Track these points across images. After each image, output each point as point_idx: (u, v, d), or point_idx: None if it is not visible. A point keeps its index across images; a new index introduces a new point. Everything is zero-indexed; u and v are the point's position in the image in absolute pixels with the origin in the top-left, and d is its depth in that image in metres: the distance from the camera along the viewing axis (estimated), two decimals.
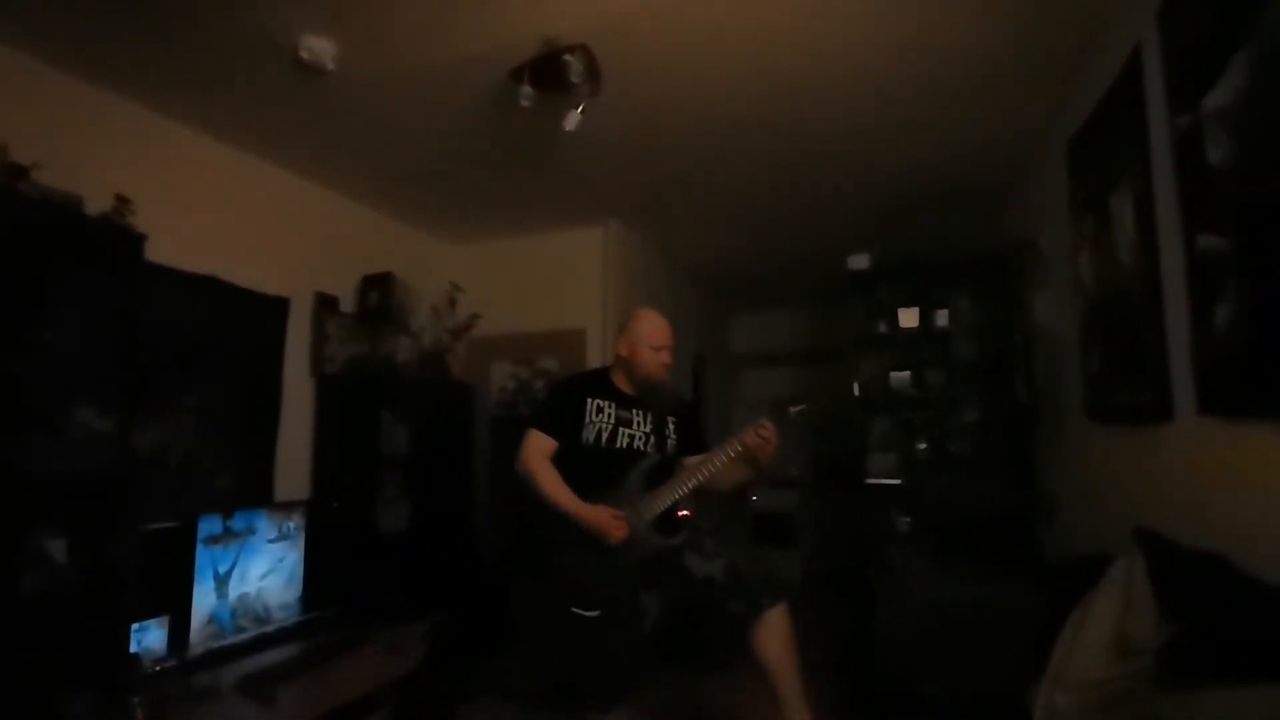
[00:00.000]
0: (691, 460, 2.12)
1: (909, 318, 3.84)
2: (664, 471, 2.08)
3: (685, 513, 2.20)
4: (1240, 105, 1.34)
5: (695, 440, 2.20)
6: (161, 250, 2.34)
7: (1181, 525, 1.58)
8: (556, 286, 4.08)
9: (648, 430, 2.10)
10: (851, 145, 2.97)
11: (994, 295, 3.58)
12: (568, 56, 2.11)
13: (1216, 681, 0.98)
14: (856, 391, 3.92)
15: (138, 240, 2.18)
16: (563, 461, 2.08)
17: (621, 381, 2.17)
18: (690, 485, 1.99)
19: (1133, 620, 1.35)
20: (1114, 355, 2.17)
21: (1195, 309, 1.57)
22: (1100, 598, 1.51)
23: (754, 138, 2.87)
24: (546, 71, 2.16)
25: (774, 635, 1.94)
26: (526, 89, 2.20)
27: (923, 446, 3.80)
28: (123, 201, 2.18)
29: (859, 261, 3.96)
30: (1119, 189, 2.02)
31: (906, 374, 3.88)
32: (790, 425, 2.01)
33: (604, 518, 1.94)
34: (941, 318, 3.78)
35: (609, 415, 2.08)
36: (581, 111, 2.29)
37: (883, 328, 3.92)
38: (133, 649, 1.97)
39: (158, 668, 1.97)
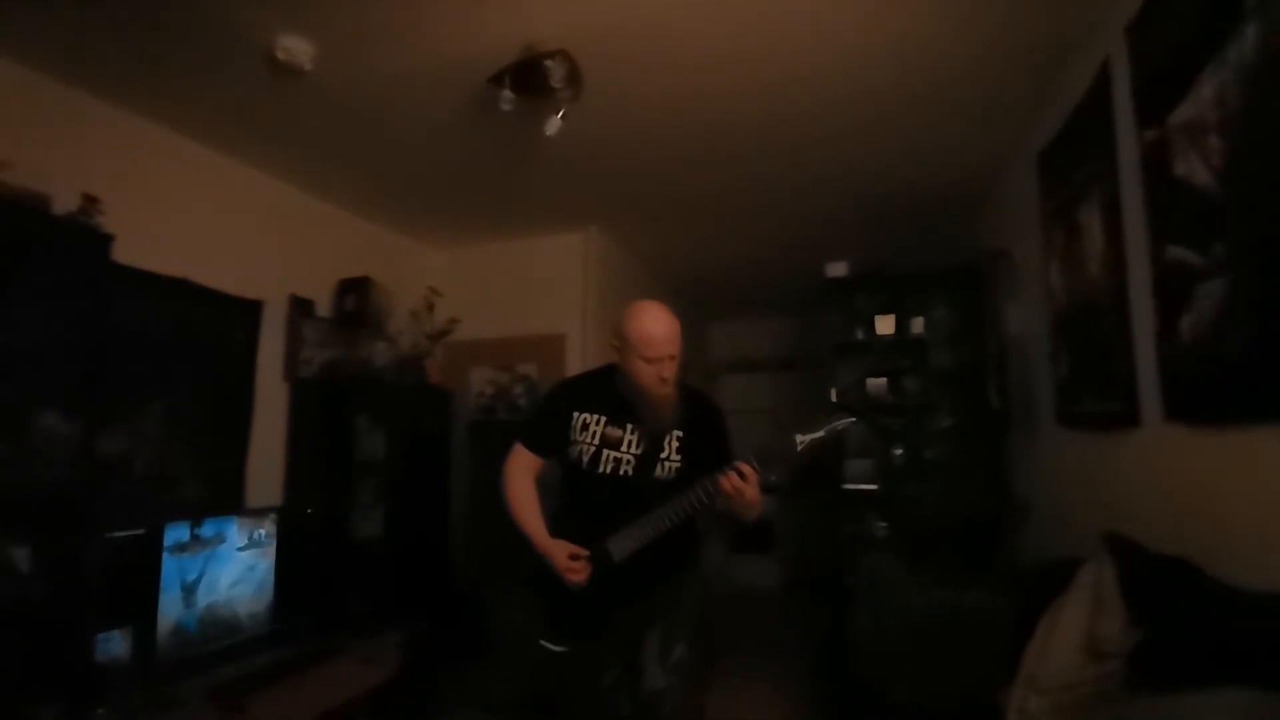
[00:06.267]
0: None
1: (885, 325, 3.89)
2: (671, 494, 1.74)
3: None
4: (1208, 121, 1.38)
5: (714, 453, 1.74)
6: (132, 252, 2.29)
7: (1149, 530, 1.62)
8: (536, 291, 4.07)
9: (636, 452, 1.78)
10: (829, 156, 3.00)
11: (968, 304, 3.64)
12: (549, 61, 2.10)
13: (1185, 685, 1.00)
14: (834, 398, 3.96)
15: (105, 240, 2.12)
16: (562, 479, 1.89)
17: (622, 388, 1.80)
18: (663, 525, 1.69)
19: (1103, 623, 1.38)
20: (1083, 363, 2.22)
21: (1162, 319, 1.62)
22: (1071, 602, 1.53)
23: (733, 146, 2.89)
24: (527, 76, 2.16)
25: None
26: (507, 93, 2.19)
27: (899, 453, 3.84)
28: (90, 201, 2.13)
29: (837, 269, 4.01)
30: (1088, 201, 2.07)
31: (883, 381, 3.93)
32: (800, 457, 1.65)
33: (561, 559, 1.71)
34: (917, 325, 3.83)
35: (594, 433, 1.79)
36: (562, 117, 2.29)
37: (860, 335, 3.96)
38: (98, 659, 1.92)
39: (124, 678, 1.92)
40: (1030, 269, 2.74)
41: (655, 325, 1.73)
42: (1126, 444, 1.89)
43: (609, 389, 1.82)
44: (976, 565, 2.71)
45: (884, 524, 3.69)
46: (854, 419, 1.67)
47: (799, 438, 1.62)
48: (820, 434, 1.63)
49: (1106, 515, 1.91)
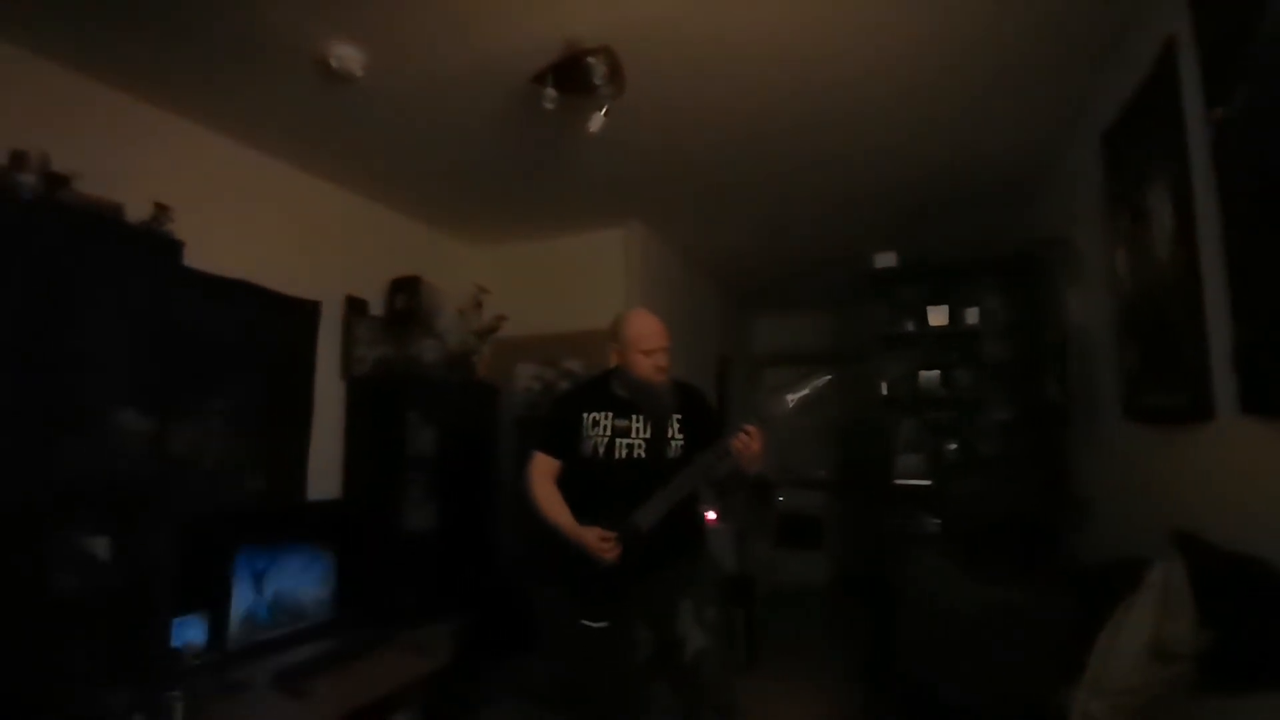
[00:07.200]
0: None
1: (938, 316, 3.79)
2: (680, 468, 1.99)
3: (712, 517, 2.18)
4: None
5: (709, 431, 2.04)
6: (197, 256, 2.39)
7: (1222, 528, 1.54)
8: (580, 288, 4.10)
9: (646, 436, 2.03)
10: (876, 143, 2.93)
11: (1025, 293, 3.51)
12: (591, 58, 2.12)
13: (1257, 687, 0.96)
14: (884, 391, 3.88)
15: (176, 246, 2.24)
16: (569, 479, 2.07)
17: (620, 387, 2.09)
18: (681, 492, 1.93)
19: (1171, 625, 1.32)
20: (1151, 353, 2.11)
21: (1236, 305, 1.53)
22: (1138, 602, 1.47)
23: (776, 137, 2.85)
24: (570, 74, 2.18)
25: None
26: (550, 91, 2.21)
27: (952, 447, 3.74)
28: (161, 209, 2.24)
29: (886, 259, 3.92)
30: (1156, 183, 1.96)
31: (936, 373, 3.82)
32: (791, 414, 1.89)
33: (592, 540, 1.90)
34: (971, 316, 3.72)
35: (605, 427, 2.04)
36: (605, 113, 2.30)
37: (910, 326, 3.87)
38: (173, 644, 2.02)
39: (197, 661, 2.02)
40: (1093, 255, 2.62)
41: (648, 323, 2.06)
42: (1198, 437, 1.79)
43: (608, 390, 2.10)
44: (1032, 563, 2.62)
45: (936, 520, 3.60)
46: (830, 377, 1.93)
47: (788, 397, 1.90)
48: (805, 391, 1.90)
49: (1175, 512, 1.83)
